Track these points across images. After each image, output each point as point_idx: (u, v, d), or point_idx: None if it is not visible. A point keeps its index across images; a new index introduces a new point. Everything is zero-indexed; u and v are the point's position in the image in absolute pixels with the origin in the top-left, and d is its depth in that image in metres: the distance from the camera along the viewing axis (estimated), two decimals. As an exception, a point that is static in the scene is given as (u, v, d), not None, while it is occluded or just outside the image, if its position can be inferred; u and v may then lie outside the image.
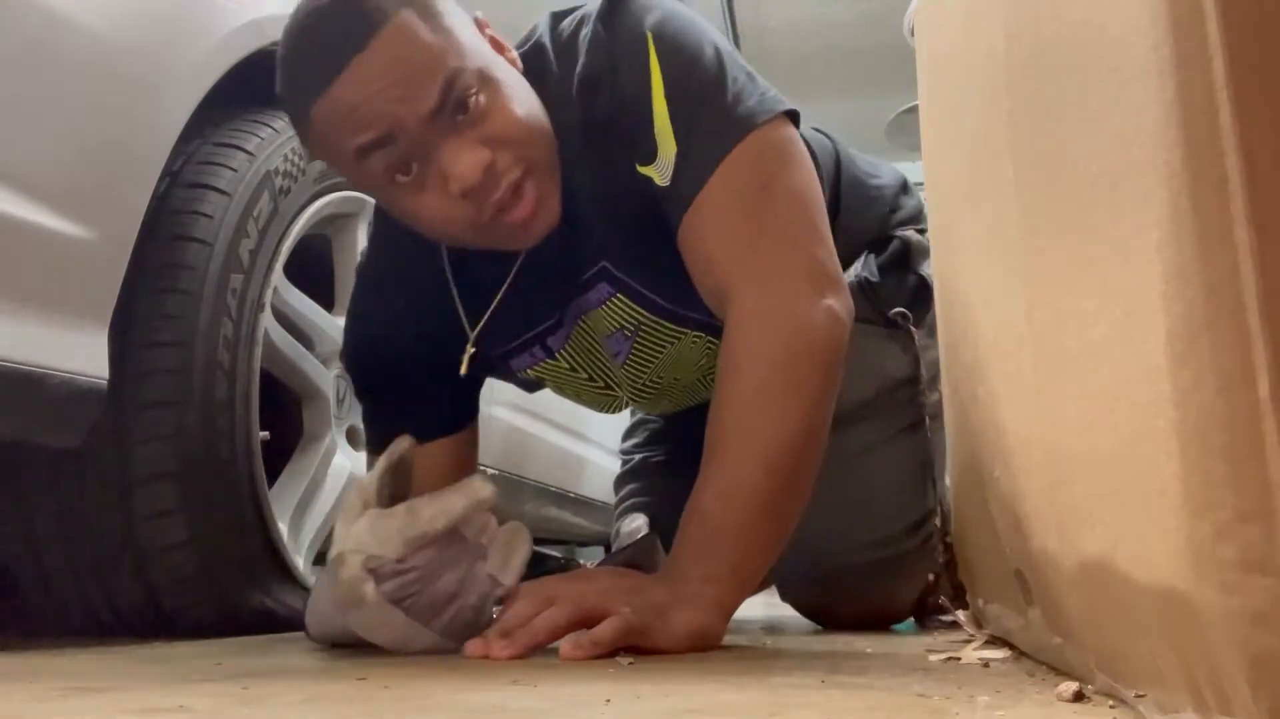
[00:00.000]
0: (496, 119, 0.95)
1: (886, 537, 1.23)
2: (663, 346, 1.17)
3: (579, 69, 1.02)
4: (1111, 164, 0.52)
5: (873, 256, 1.30)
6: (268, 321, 1.32)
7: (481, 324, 1.13)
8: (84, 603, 1.19)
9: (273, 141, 1.32)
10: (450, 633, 0.91)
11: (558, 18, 1.09)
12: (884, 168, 1.38)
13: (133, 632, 1.19)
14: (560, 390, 1.30)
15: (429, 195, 0.96)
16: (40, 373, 0.96)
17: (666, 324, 1.14)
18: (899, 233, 1.31)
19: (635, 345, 1.17)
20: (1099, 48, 0.53)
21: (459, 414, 1.19)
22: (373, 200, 1.55)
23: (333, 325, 1.50)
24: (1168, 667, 0.49)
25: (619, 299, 1.12)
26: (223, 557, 1.19)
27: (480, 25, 1.03)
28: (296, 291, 1.42)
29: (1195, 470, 0.45)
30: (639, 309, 1.12)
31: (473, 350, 1.13)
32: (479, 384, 1.23)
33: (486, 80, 0.95)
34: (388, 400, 1.19)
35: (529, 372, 1.23)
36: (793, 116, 1.02)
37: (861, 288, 1.27)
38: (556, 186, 1.01)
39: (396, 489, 0.94)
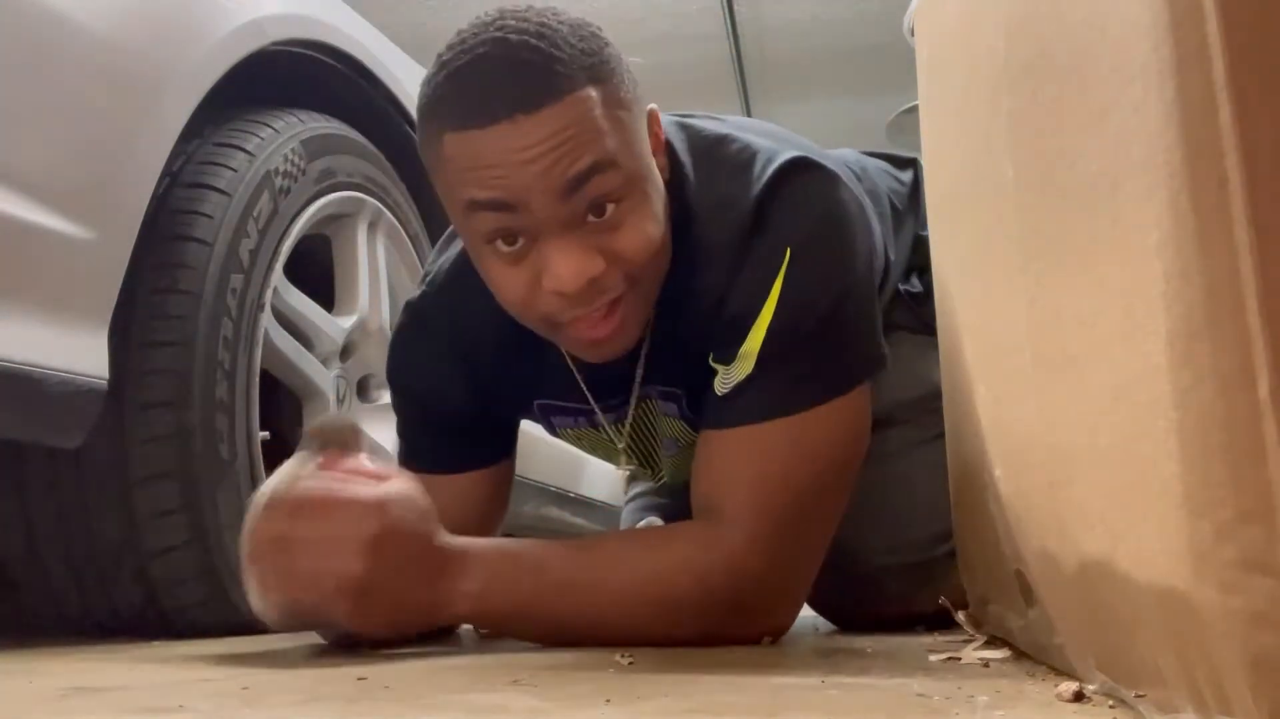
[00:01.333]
0: (626, 236, 0.88)
1: (917, 540, 1.20)
2: None
3: (714, 232, 0.96)
4: (1111, 164, 0.52)
5: (916, 275, 1.28)
6: (268, 321, 1.32)
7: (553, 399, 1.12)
8: (84, 603, 1.19)
9: (273, 141, 1.32)
10: None
11: (700, 137, 1.00)
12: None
13: (133, 632, 1.19)
14: (581, 447, 1.27)
15: (519, 273, 0.89)
16: (40, 373, 0.96)
17: None
18: None
19: (681, 453, 1.16)
20: (1099, 48, 0.53)
21: (495, 450, 1.17)
22: (373, 201, 1.57)
23: (333, 325, 1.50)
24: (1168, 667, 0.49)
25: (679, 422, 1.11)
26: (223, 557, 1.19)
27: (652, 120, 0.94)
28: (296, 291, 1.42)
29: (1195, 470, 0.45)
30: (692, 431, 1.11)
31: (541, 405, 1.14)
32: (517, 423, 1.20)
33: (633, 190, 0.88)
34: (426, 429, 1.15)
35: (562, 431, 1.20)
36: (878, 362, 0.99)
37: (906, 299, 1.26)
38: (647, 313, 0.96)
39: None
